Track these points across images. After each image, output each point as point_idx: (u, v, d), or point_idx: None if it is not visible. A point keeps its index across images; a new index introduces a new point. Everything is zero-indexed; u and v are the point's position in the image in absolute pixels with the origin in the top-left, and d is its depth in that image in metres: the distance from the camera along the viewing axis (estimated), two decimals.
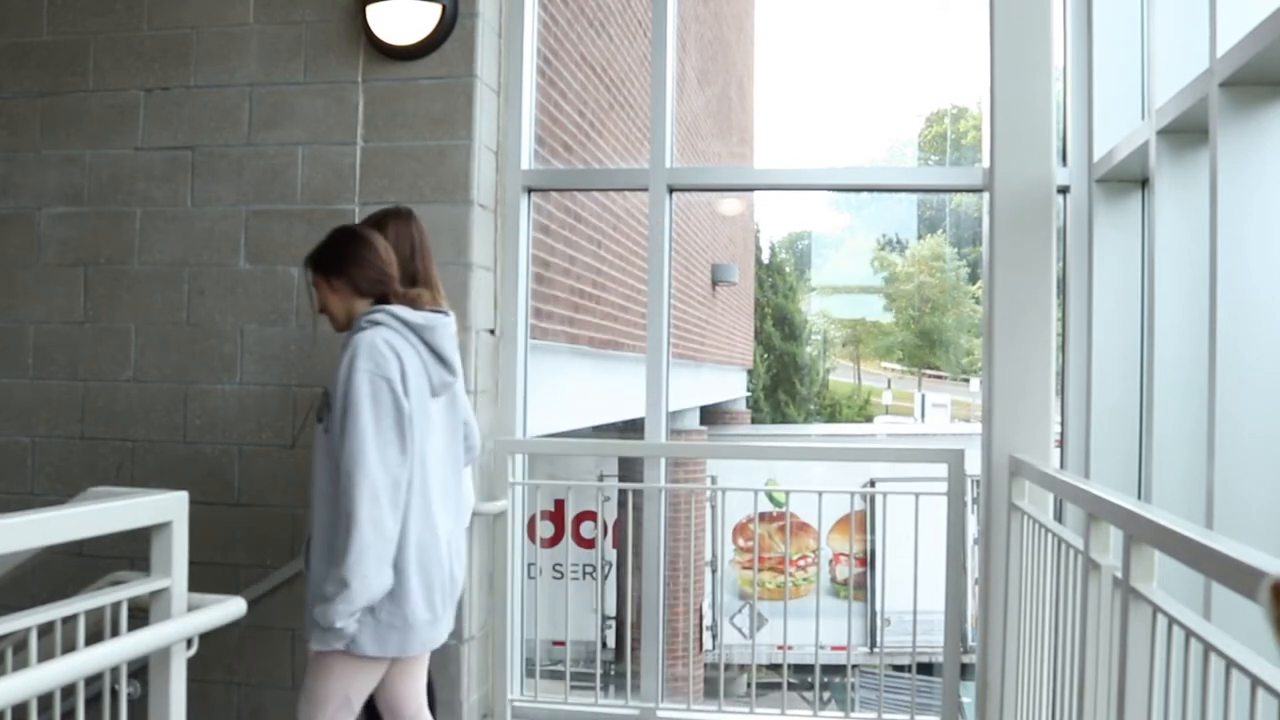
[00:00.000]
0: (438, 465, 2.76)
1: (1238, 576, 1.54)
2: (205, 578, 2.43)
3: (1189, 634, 1.75)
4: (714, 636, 11.40)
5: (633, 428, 6.65)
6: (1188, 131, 2.96)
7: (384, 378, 2.59)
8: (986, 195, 3.74)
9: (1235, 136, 2.54)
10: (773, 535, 10.51)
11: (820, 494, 4.40)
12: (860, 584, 11.48)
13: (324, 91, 3.82)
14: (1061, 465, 3.76)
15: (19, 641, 2.09)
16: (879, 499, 10.02)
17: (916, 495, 3.99)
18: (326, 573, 2.58)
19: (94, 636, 2.06)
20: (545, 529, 9.53)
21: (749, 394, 15.86)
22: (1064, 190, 3.80)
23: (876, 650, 10.89)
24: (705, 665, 11.01)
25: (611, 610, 9.18)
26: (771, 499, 8.91)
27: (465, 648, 3.73)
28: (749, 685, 4.53)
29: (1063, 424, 3.81)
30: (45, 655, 1.92)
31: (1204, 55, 2.65)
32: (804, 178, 4.56)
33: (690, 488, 7.36)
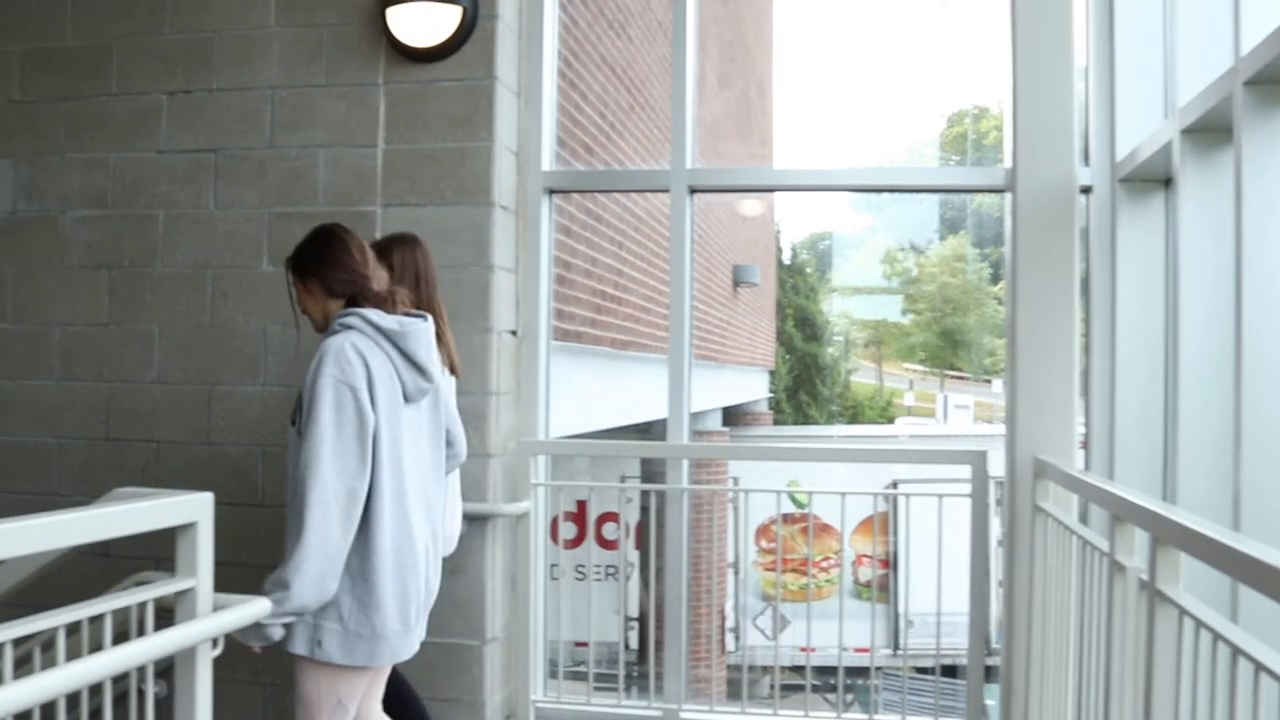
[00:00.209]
0: (415, 473, 2.69)
1: (1265, 579, 1.52)
2: (230, 578, 2.44)
3: (1216, 637, 1.73)
4: (737, 638, 11.36)
5: (654, 429, 6.65)
6: (1211, 131, 2.94)
7: (348, 385, 2.54)
8: (1009, 195, 3.72)
9: (1260, 135, 2.52)
10: (795, 536, 10.47)
11: (843, 495, 4.38)
12: (883, 586, 11.42)
13: (345, 94, 3.84)
14: (1086, 467, 3.73)
15: (47, 641, 2.11)
16: (902, 500, 9.92)
17: (940, 497, 3.96)
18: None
19: (120, 636, 2.07)
20: (568, 530, 9.52)
21: (771, 395, 15.80)
22: (1087, 190, 3.77)
23: (900, 652, 10.83)
24: (728, 667, 10.99)
25: (634, 611, 9.18)
26: (794, 500, 8.86)
27: (488, 649, 3.74)
28: (772, 687, 4.53)
29: (1087, 425, 3.78)
30: (72, 654, 1.94)
31: (1228, 53, 2.63)
32: (824, 178, 4.55)
33: (713, 489, 7.35)
